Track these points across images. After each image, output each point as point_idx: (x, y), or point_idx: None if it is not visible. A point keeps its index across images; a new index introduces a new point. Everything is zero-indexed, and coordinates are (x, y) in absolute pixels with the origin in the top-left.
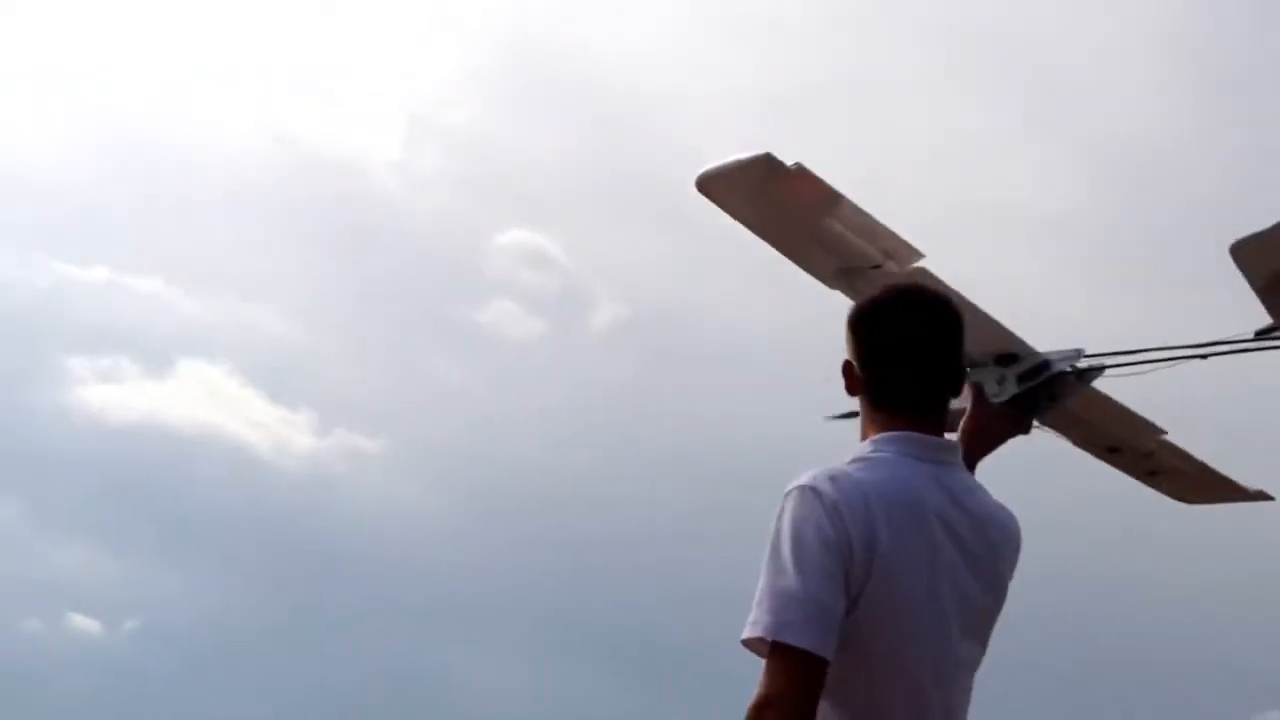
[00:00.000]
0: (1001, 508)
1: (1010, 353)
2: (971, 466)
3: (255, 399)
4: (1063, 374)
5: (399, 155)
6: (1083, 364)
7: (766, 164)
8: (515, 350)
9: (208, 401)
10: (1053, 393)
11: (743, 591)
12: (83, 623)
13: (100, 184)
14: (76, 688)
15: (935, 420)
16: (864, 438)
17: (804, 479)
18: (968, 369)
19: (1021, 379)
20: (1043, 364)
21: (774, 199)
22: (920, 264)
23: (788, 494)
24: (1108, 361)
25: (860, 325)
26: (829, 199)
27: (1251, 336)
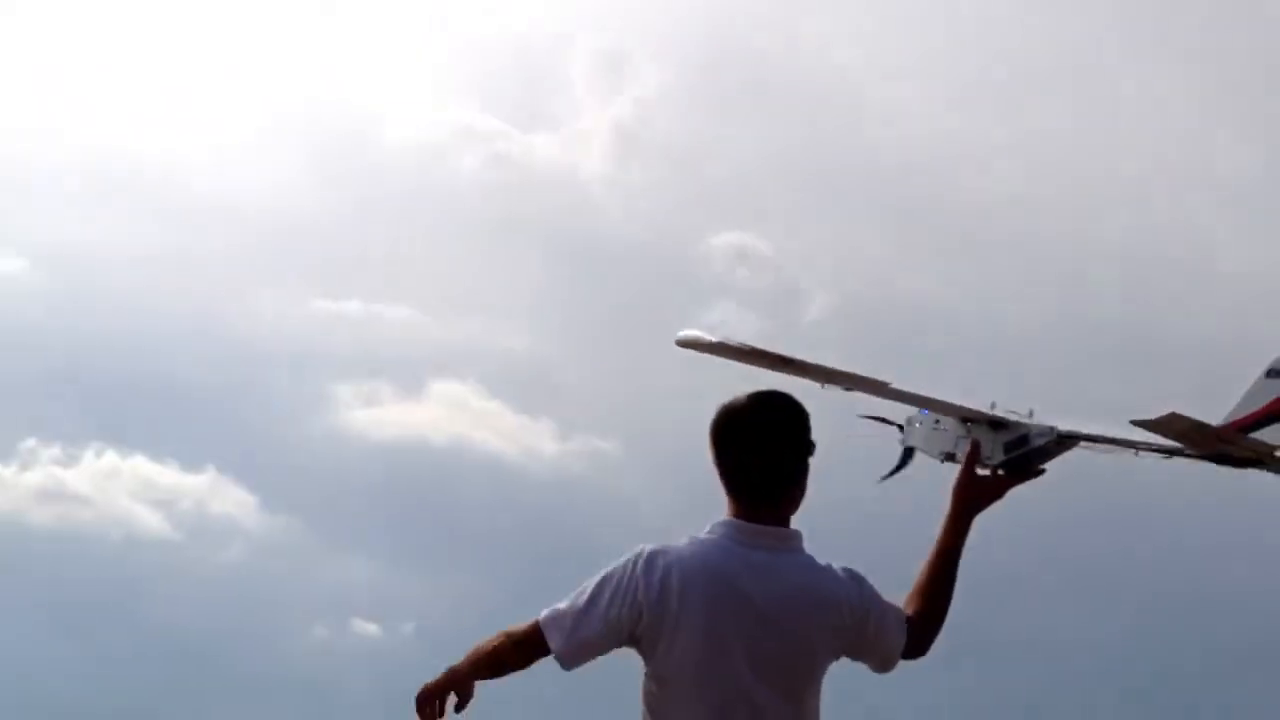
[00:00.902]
0: (818, 580)
1: (1000, 420)
2: (970, 514)
3: (502, 411)
4: (1044, 447)
5: (610, 169)
6: (1056, 435)
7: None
8: None
9: (459, 417)
10: (1042, 455)
11: None
12: (365, 627)
13: (354, 223)
14: (363, 687)
15: (769, 505)
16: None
17: (648, 545)
18: (966, 424)
19: (1007, 447)
20: (1022, 437)
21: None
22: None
23: (635, 550)
24: (1081, 436)
25: (713, 428)
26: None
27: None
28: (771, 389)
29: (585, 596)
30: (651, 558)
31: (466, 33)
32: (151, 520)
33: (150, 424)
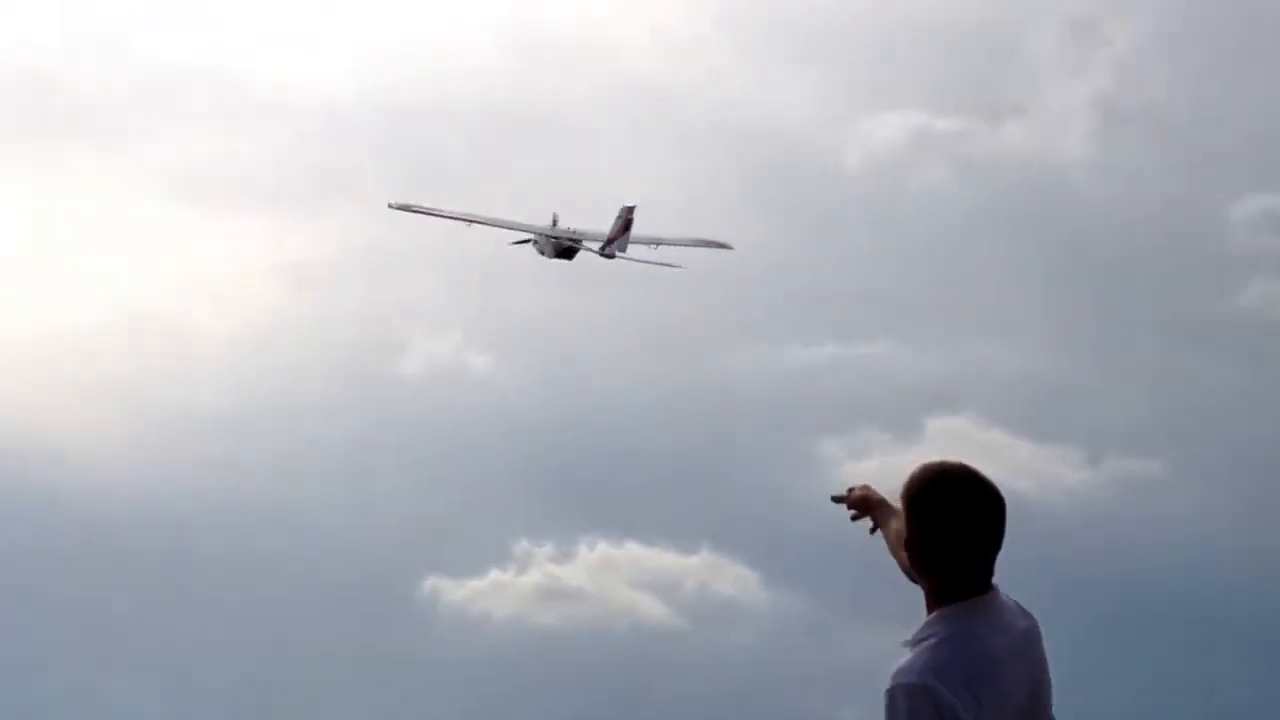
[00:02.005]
0: (1021, 613)
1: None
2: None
3: (1009, 441)
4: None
5: (1096, 153)
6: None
7: None
8: None
9: (962, 456)
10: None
11: None
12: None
13: (816, 260)
14: None
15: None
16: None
17: (910, 676)
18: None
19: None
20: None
21: None
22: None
23: (894, 689)
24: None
25: (914, 506)
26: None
27: None
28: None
29: None
30: (936, 672)
31: (909, 29)
32: (654, 608)
33: (637, 508)
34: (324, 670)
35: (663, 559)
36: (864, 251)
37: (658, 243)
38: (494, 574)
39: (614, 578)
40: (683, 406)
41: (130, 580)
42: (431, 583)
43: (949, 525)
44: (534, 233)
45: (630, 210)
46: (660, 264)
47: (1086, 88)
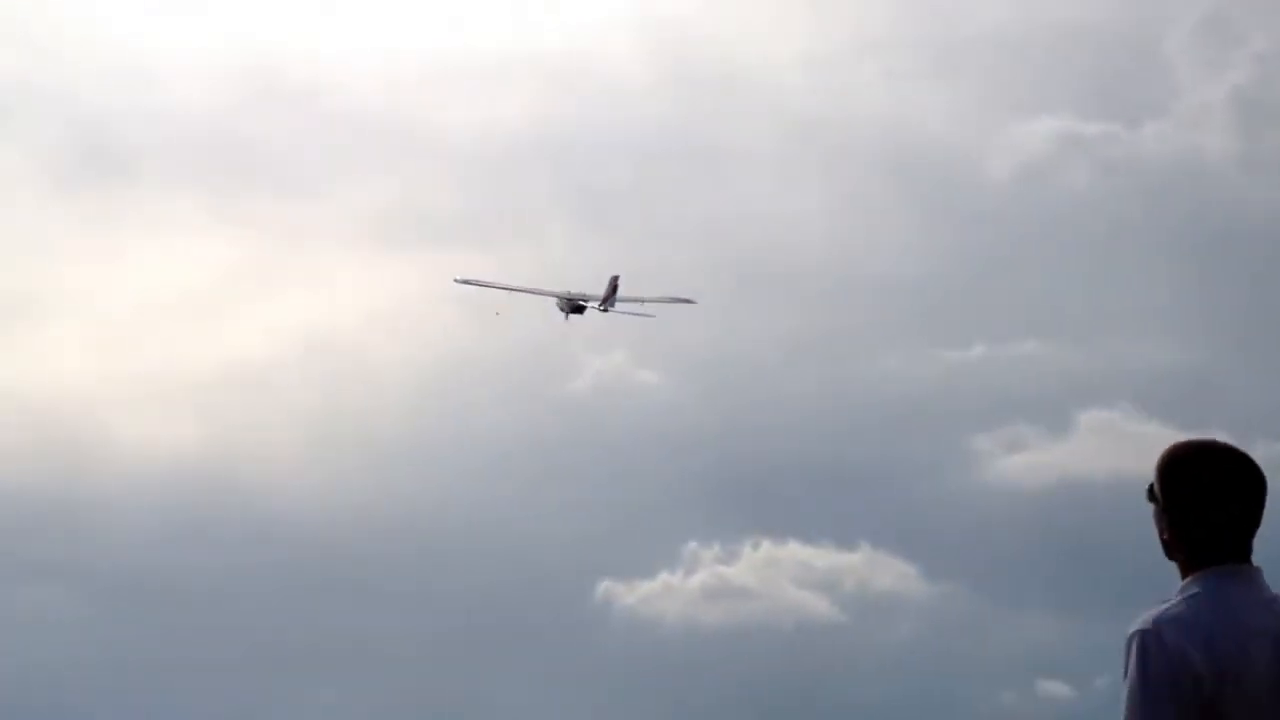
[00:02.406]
0: None
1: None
2: None
3: (1159, 432)
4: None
5: (1237, 149)
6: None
7: None
8: None
9: (1114, 448)
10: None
11: None
12: (1054, 688)
13: (960, 265)
14: None
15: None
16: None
17: (1144, 623)
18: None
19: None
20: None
21: None
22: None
23: (1129, 636)
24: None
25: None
26: None
27: None
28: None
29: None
30: (1173, 623)
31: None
32: (818, 605)
33: (798, 509)
34: (504, 674)
35: (824, 556)
36: (1011, 255)
37: (640, 300)
38: (664, 576)
39: (778, 576)
40: (839, 411)
41: (321, 595)
42: (605, 586)
43: (1204, 497)
44: (557, 297)
45: (616, 279)
46: (639, 314)
47: (1225, 85)
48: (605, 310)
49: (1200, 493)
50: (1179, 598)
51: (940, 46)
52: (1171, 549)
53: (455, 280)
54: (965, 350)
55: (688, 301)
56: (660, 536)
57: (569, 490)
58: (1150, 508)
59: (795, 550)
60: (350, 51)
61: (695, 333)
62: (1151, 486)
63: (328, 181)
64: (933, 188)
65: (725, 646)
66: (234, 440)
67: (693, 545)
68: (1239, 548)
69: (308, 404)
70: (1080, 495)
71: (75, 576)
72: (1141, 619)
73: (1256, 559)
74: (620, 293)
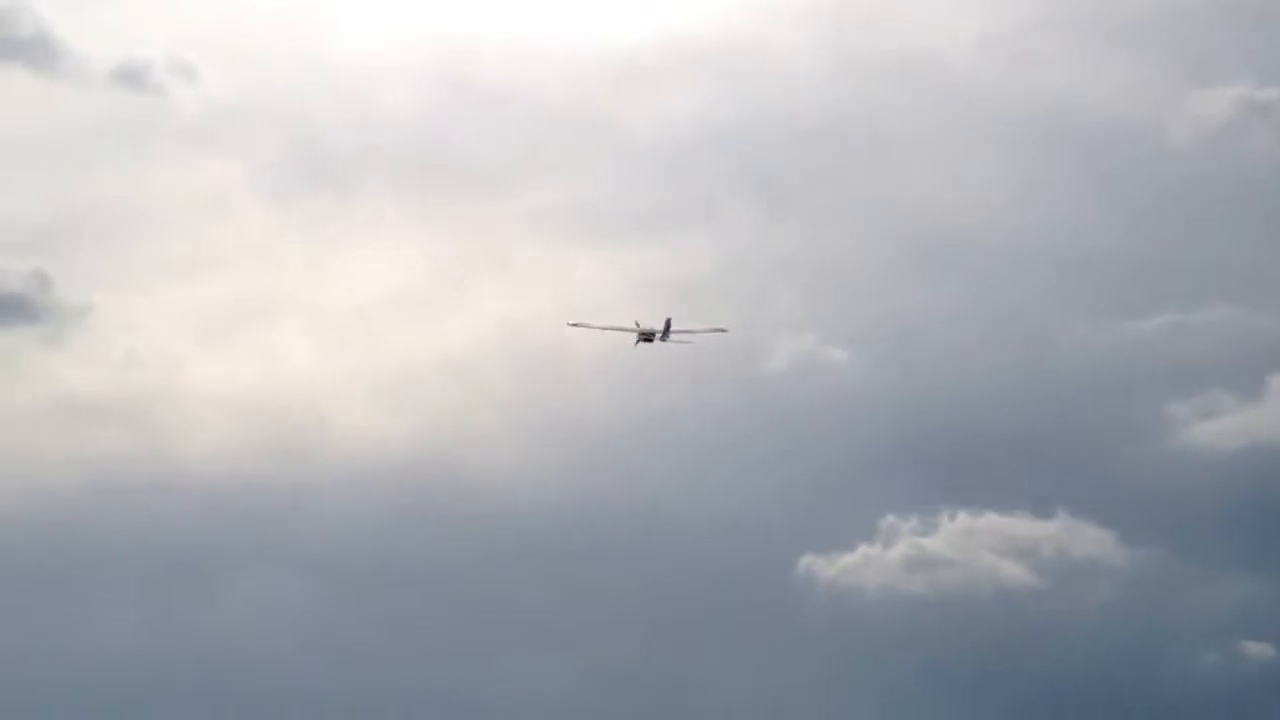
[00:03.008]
0: None
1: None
2: None
3: None
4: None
5: None
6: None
7: None
8: None
9: None
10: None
11: None
12: (1258, 649)
13: (1143, 234)
14: (1263, 713)
15: None
16: None
17: None
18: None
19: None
20: (650, 333)
21: None
22: None
23: None
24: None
25: None
26: None
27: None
28: None
29: None
30: None
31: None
32: (1016, 572)
33: (993, 479)
34: (710, 650)
35: (1021, 525)
36: (1196, 223)
37: (689, 332)
38: (863, 549)
39: (976, 545)
40: (1031, 382)
41: (532, 575)
42: (806, 561)
43: None
44: (632, 330)
45: (669, 320)
46: (683, 342)
47: None
48: (664, 340)
49: None
50: None
51: (1115, 21)
52: None
53: (568, 324)
54: (1155, 319)
55: (720, 330)
56: (858, 511)
57: (766, 469)
58: None
59: (992, 520)
60: (541, 51)
61: (882, 312)
62: None
63: (519, 180)
64: (1113, 160)
65: (926, 615)
66: (445, 429)
67: (890, 518)
68: None
69: (512, 392)
70: (1272, 459)
71: (302, 562)
72: None
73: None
74: (673, 327)
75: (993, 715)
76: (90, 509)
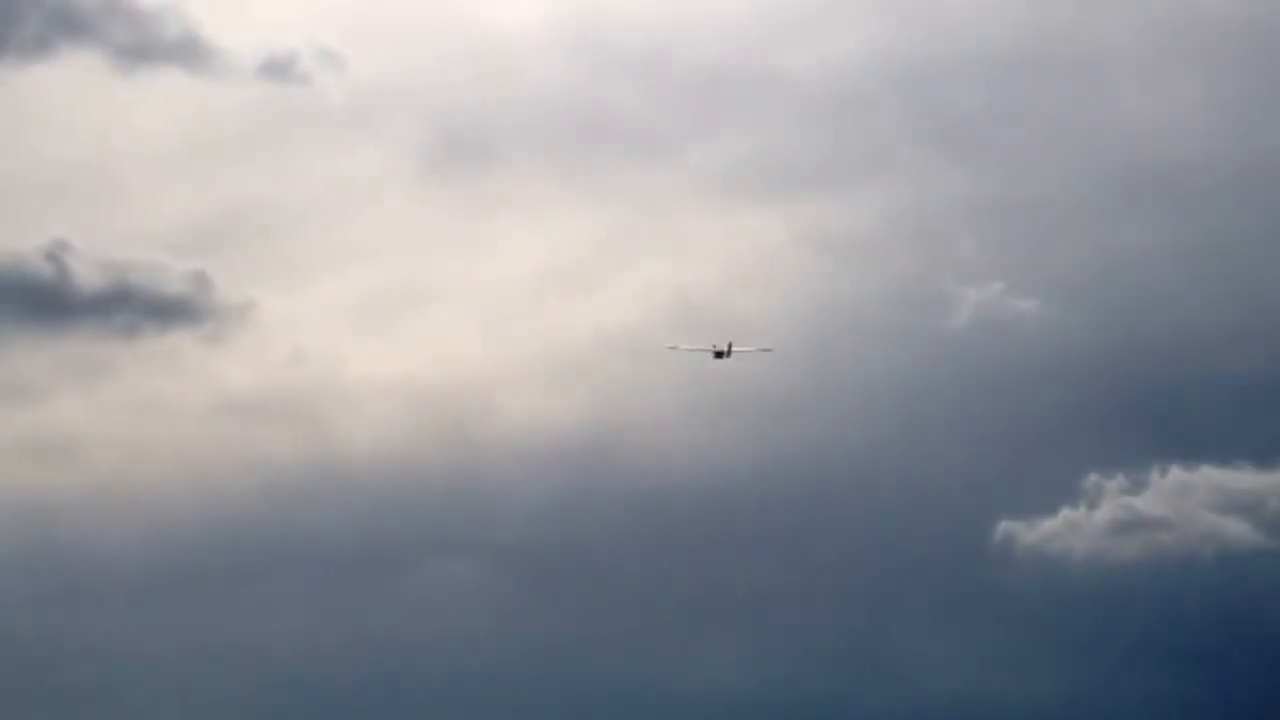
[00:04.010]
0: None
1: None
2: None
3: None
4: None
5: None
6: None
7: None
8: None
9: None
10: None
11: None
12: None
13: None
14: None
15: None
16: None
17: None
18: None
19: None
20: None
21: None
22: None
23: None
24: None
25: None
26: None
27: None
28: None
29: None
30: None
31: None
32: (1240, 530)
33: (1207, 429)
34: (907, 621)
35: (1242, 479)
36: None
37: (746, 350)
38: (1065, 512)
39: (1192, 503)
40: (1244, 320)
41: (713, 552)
42: (1004, 527)
43: None
44: (712, 350)
45: (731, 342)
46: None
47: None
48: (728, 356)
49: None
50: None
51: None
52: None
53: (667, 348)
54: None
55: (767, 350)
56: (1058, 471)
57: (957, 430)
58: None
59: (1209, 474)
60: (688, 10)
61: (1077, 254)
62: None
63: (680, 141)
64: None
65: (1140, 581)
66: (615, 408)
67: (1094, 477)
68: None
69: (685, 364)
70: None
71: (477, 550)
72: None
73: None
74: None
75: (1224, 690)
76: (260, 507)
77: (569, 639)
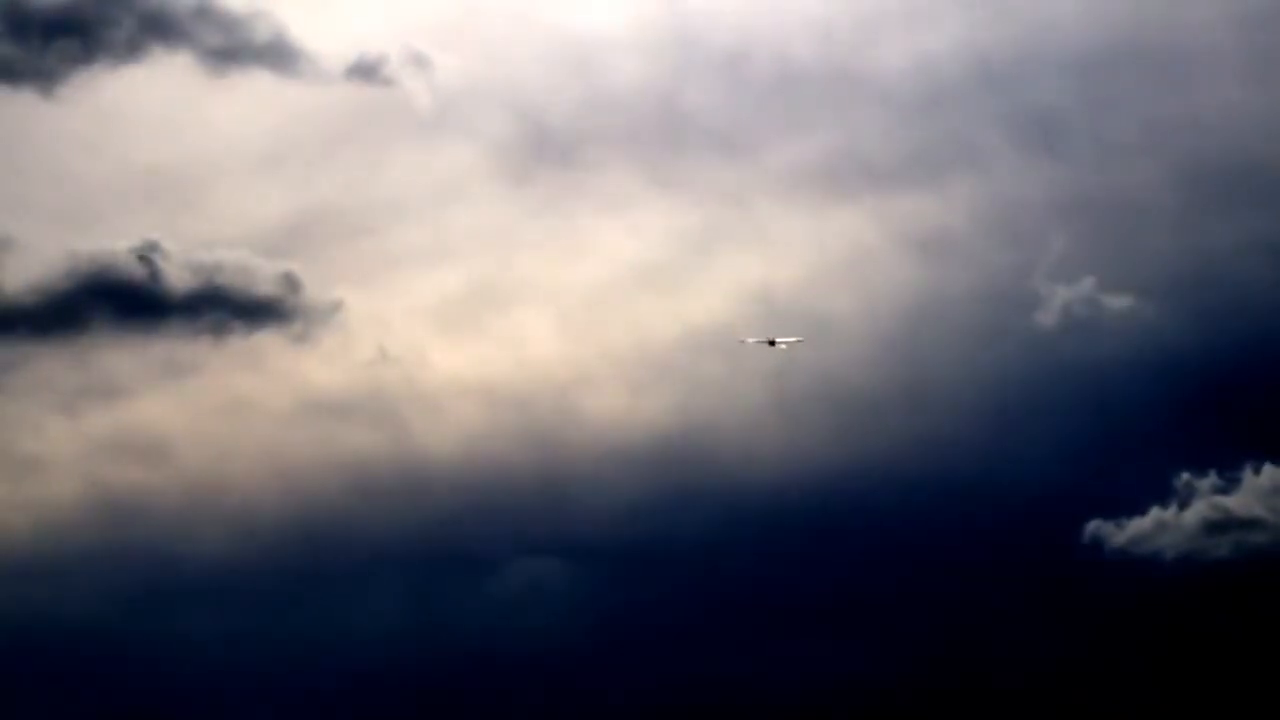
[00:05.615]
0: None
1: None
2: None
3: None
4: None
5: None
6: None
7: None
8: None
9: None
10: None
11: None
12: None
13: None
14: None
15: None
16: None
17: None
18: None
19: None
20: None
21: None
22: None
23: None
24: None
25: None
26: None
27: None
28: None
29: None
30: None
31: None
32: None
33: None
34: (994, 622)
35: None
36: None
37: (787, 341)
38: (1155, 512)
39: None
40: None
41: (799, 552)
42: (1093, 527)
43: None
44: (764, 340)
45: (774, 338)
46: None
47: None
48: (774, 345)
49: None
50: None
51: None
52: None
53: (738, 341)
54: None
55: (800, 340)
56: (1148, 469)
57: (1046, 429)
58: None
59: None
60: (773, 8)
61: (1170, 252)
62: None
63: (765, 139)
64: None
65: (1233, 582)
66: (700, 408)
67: (1185, 476)
68: None
69: (769, 361)
70: None
71: (562, 550)
72: None
73: None
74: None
75: None
76: (346, 506)
77: (655, 638)
